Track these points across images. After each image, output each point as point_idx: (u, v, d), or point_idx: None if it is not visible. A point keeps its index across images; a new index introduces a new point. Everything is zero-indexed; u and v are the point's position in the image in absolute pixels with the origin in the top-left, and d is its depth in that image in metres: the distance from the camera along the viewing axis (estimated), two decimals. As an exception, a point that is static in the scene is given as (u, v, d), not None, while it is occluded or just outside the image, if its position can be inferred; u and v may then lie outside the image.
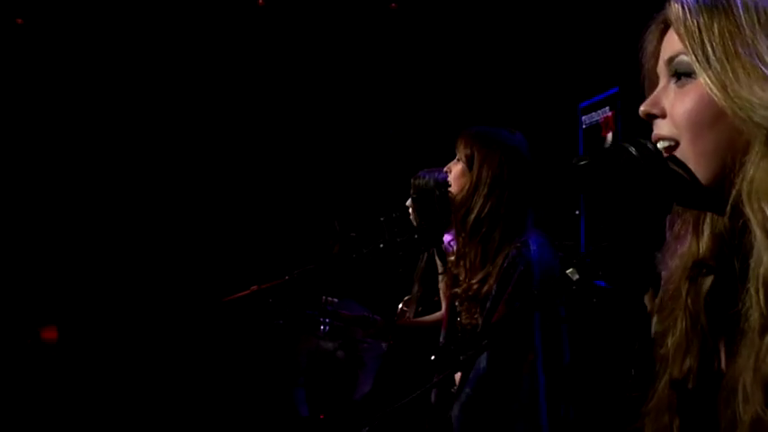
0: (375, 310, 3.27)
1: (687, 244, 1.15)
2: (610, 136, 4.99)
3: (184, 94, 5.84)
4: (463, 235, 2.24)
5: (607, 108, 4.99)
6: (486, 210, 2.14)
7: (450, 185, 2.28)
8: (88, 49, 5.52)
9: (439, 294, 3.12)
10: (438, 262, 3.03)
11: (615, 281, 0.97)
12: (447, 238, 2.96)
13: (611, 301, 0.96)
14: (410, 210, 3.19)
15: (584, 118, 5.42)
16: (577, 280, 0.98)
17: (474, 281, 2.09)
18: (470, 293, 2.10)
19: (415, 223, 3.20)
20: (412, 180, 3.18)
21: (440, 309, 3.10)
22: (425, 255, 3.14)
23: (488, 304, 2.01)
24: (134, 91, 5.75)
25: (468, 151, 2.20)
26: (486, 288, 2.04)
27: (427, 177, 3.18)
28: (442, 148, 5.90)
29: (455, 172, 2.21)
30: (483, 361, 1.95)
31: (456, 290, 2.21)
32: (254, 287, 4.57)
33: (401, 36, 6.01)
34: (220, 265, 5.27)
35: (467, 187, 2.17)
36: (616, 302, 0.95)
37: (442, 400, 2.30)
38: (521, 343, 1.91)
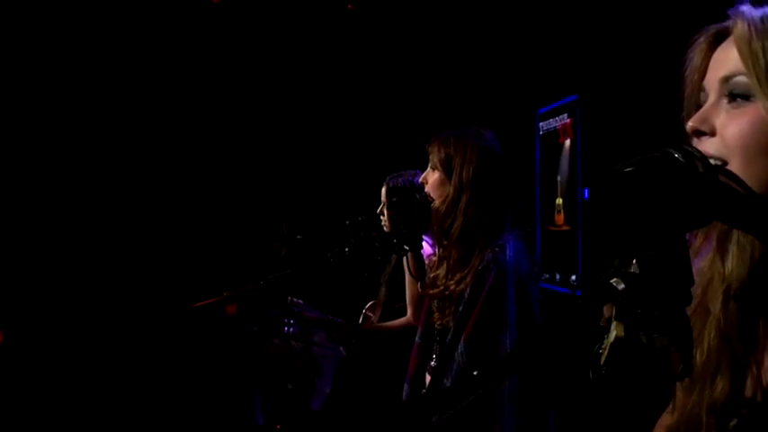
0: (338, 315, 3.18)
1: (708, 260, 1.11)
2: (567, 143, 5.01)
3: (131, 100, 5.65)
4: (445, 242, 2.17)
5: (566, 115, 5.01)
6: (471, 215, 2.08)
7: (424, 189, 2.20)
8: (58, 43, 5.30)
9: (405, 300, 3.05)
10: (408, 266, 2.96)
11: (660, 293, 0.90)
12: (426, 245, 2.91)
13: (664, 314, 0.89)
14: (383, 214, 3.12)
15: (541, 124, 5.44)
16: (623, 290, 0.92)
17: (452, 281, 2.03)
18: (446, 293, 2.04)
19: (387, 228, 3.12)
20: (385, 185, 3.11)
21: (405, 314, 3.03)
22: (394, 258, 3.07)
23: (461, 307, 1.94)
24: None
25: (443, 156, 2.13)
26: (460, 288, 1.99)
27: (402, 181, 3.11)
28: (398, 152, 5.94)
29: (433, 182, 2.14)
30: (463, 355, 1.88)
31: (433, 291, 2.14)
32: (227, 293, 4.46)
33: (357, 39, 5.94)
34: (180, 271, 5.11)
35: (449, 196, 2.10)
36: (665, 315, 0.88)
37: (414, 400, 2.23)
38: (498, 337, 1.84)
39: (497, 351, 1.85)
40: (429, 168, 2.18)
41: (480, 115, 5.66)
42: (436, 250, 2.27)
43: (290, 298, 3.04)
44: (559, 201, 5.19)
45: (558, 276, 5.17)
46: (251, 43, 5.82)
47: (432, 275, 2.23)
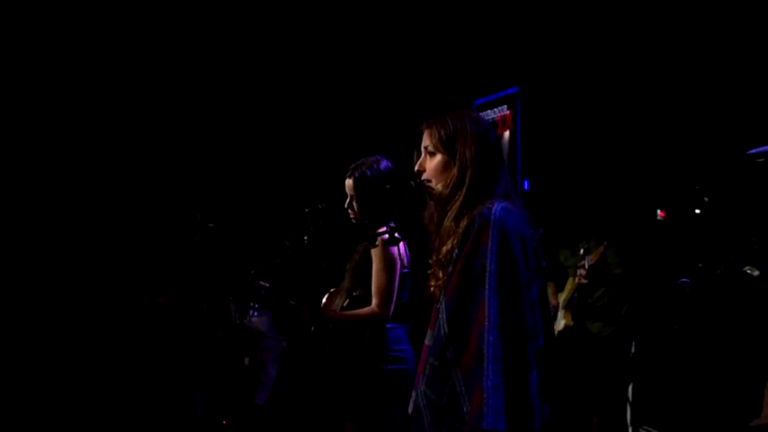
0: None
1: None
2: (507, 134, 5.05)
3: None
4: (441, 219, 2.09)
5: (505, 107, 5.05)
6: (472, 194, 2.02)
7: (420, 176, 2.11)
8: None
9: (369, 288, 2.95)
10: (382, 255, 2.88)
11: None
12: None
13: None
14: (352, 207, 3.01)
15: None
16: (758, 276, 0.87)
17: (443, 248, 1.97)
18: (439, 258, 1.97)
19: (355, 217, 3.02)
20: (351, 176, 3.00)
21: (367, 304, 2.93)
22: (363, 247, 2.97)
23: (450, 267, 1.87)
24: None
25: (445, 138, 2.04)
26: (448, 249, 1.93)
27: (384, 166, 3.01)
28: (332, 141, 5.82)
29: (436, 166, 2.04)
30: (443, 327, 1.81)
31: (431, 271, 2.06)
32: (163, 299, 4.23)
33: (292, 29, 5.76)
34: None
35: (455, 178, 2.02)
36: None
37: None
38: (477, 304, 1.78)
39: (475, 306, 1.76)
40: (425, 154, 2.08)
41: (416, 106, 5.64)
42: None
43: (256, 282, 2.89)
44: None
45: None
46: (180, 27, 5.54)
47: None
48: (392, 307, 2.89)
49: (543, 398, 1.77)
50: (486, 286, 1.76)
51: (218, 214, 4.56)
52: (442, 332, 1.79)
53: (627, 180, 4.36)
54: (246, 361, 3.77)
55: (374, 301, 2.90)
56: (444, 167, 2.04)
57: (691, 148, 4.07)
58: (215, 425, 3.62)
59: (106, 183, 5.46)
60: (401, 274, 2.94)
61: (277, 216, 5.07)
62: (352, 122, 5.80)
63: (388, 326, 2.93)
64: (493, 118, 5.26)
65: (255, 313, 2.78)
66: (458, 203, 1.99)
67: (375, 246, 2.83)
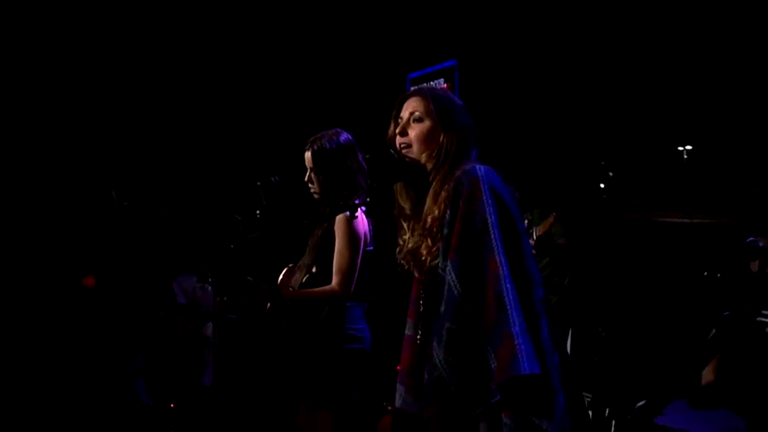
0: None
1: None
2: (444, 108, 5.03)
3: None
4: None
5: (442, 80, 5.02)
6: (455, 160, 2.00)
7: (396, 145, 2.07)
8: None
9: (330, 266, 2.88)
10: (349, 229, 2.82)
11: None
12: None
13: None
14: (312, 181, 2.93)
15: (413, 89, 5.42)
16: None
17: (428, 218, 1.94)
18: (426, 227, 1.94)
19: (317, 194, 2.94)
20: (309, 149, 2.92)
21: (326, 281, 2.87)
22: (326, 224, 2.89)
23: (445, 228, 1.85)
24: None
25: (431, 106, 2.02)
26: (437, 215, 1.91)
27: (344, 138, 2.93)
28: (262, 115, 5.67)
29: (421, 134, 2.01)
30: (455, 288, 1.79)
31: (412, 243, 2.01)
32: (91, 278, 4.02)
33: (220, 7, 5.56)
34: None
35: (442, 145, 1.99)
36: None
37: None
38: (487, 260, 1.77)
39: (485, 258, 1.77)
40: (409, 120, 2.04)
41: (349, 80, 5.57)
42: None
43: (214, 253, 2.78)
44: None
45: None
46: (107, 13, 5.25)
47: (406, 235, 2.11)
48: (353, 286, 2.84)
49: (553, 346, 1.79)
50: (492, 237, 1.78)
51: (133, 193, 4.40)
52: (455, 293, 1.77)
53: (566, 151, 4.44)
54: (189, 340, 3.64)
55: (335, 280, 2.84)
56: (430, 134, 2.01)
57: (626, 120, 4.18)
58: (163, 410, 3.49)
59: (20, 162, 5.16)
60: (364, 252, 2.89)
61: (222, 192, 4.91)
62: (286, 96, 5.67)
63: (347, 304, 2.89)
64: (429, 91, 5.23)
65: (209, 287, 2.67)
66: (444, 169, 1.98)
67: (355, 217, 2.77)
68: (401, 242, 2.09)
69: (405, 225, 2.11)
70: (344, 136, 2.96)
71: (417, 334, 2.04)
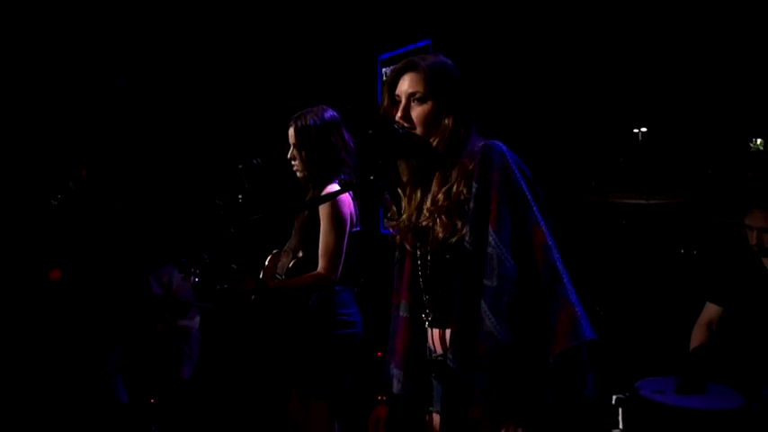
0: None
1: None
2: (418, 89, 4.93)
3: None
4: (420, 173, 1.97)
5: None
6: (464, 140, 1.91)
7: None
8: None
9: (315, 251, 2.77)
10: (334, 213, 2.73)
11: None
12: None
13: None
14: (294, 158, 2.83)
15: (385, 70, 5.32)
16: None
17: (440, 195, 1.87)
18: (438, 204, 1.87)
19: (300, 172, 2.84)
20: (293, 125, 2.81)
21: (314, 266, 2.76)
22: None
23: (472, 204, 1.80)
24: None
25: (435, 81, 1.91)
26: (455, 190, 1.84)
27: (329, 115, 2.83)
28: (224, 99, 5.50)
29: (425, 115, 1.91)
30: (506, 260, 1.75)
31: (422, 221, 1.93)
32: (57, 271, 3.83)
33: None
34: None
35: (450, 127, 1.90)
36: None
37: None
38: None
39: (531, 229, 1.77)
40: (407, 101, 1.93)
41: (318, 61, 5.45)
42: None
43: (196, 244, 2.66)
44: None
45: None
46: None
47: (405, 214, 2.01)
48: (340, 269, 2.74)
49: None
50: (533, 208, 1.80)
51: (94, 183, 4.24)
52: (508, 265, 1.74)
53: (537, 131, 4.41)
54: (165, 332, 3.50)
55: (321, 263, 2.74)
56: (434, 115, 1.91)
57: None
58: (143, 406, 3.35)
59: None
60: (350, 233, 2.80)
61: (198, 177, 4.76)
62: (255, 77, 5.53)
63: (336, 288, 2.79)
64: (402, 73, 5.14)
65: (196, 279, 2.54)
66: (455, 151, 1.90)
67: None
68: (402, 219, 2.00)
69: (409, 203, 2.02)
70: (329, 113, 2.87)
71: (420, 315, 1.97)
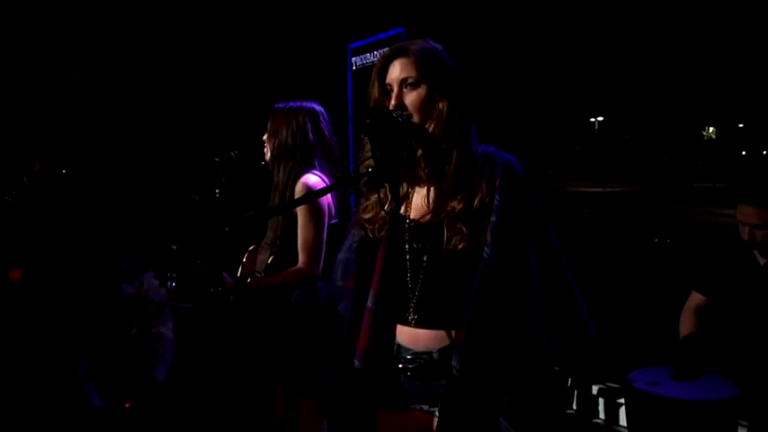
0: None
1: None
2: (390, 78, 4.83)
3: None
4: (425, 168, 1.88)
5: (387, 49, 4.81)
6: (466, 129, 1.83)
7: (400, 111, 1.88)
8: None
9: (293, 245, 2.68)
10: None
11: None
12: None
13: None
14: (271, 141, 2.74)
15: (354, 59, 5.20)
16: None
17: (454, 201, 1.82)
18: (455, 210, 1.80)
19: (271, 157, 2.75)
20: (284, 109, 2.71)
21: (293, 264, 2.66)
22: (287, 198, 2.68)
23: (494, 217, 1.79)
24: None
25: (430, 68, 1.83)
26: (477, 202, 1.80)
27: (310, 106, 2.75)
28: (189, 91, 5.35)
29: (420, 99, 1.82)
30: (535, 273, 1.82)
31: (424, 218, 1.86)
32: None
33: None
34: None
35: (445, 113, 1.82)
36: None
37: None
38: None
39: (550, 245, 1.87)
40: (406, 88, 1.84)
41: (285, 50, 5.32)
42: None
43: (174, 247, 2.53)
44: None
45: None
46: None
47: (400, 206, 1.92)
48: (321, 263, 2.64)
49: None
50: (549, 225, 1.88)
51: (47, 177, 4.08)
52: (537, 278, 1.80)
53: (494, 120, 4.36)
54: (137, 333, 3.36)
55: (301, 258, 2.65)
56: (429, 101, 1.84)
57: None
58: (117, 410, 3.20)
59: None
60: (330, 225, 2.70)
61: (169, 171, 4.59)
62: (221, 68, 5.38)
63: (318, 284, 2.69)
64: (373, 62, 5.04)
65: (173, 284, 2.41)
66: (459, 144, 1.84)
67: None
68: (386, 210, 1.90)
69: (403, 196, 1.93)
70: (313, 104, 2.80)
71: (389, 309, 1.94)
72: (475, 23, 4.48)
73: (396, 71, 1.86)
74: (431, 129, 1.82)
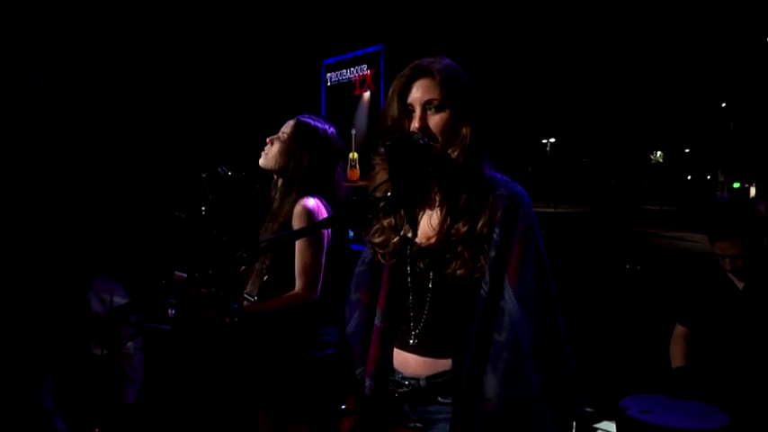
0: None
1: None
2: (367, 95, 4.81)
3: None
4: (438, 190, 1.83)
5: (365, 66, 4.79)
6: (479, 153, 1.79)
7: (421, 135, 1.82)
8: None
9: (291, 268, 2.58)
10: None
11: None
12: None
13: None
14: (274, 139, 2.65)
15: (329, 75, 5.15)
16: None
17: (459, 223, 1.77)
18: (461, 235, 1.76)
19: (276, 163, 2.65)
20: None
21: (287, 285, 2.56)
22: (282, 218, 2.58)
23: (493, 252, 1.74)
24: None
25: (454, 91, 1.78)
26: (478, 231, 1.76)
27: (320, 124, 2.65)
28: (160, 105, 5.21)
29: (443, 124, 1.77)
30: (515, 301, 1.73)
31: (430, 241, 1.81)
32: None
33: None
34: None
35: (468, 138, 1.77)
36: None
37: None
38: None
39: (548, 286, 1.77)
40: (430, 110, 1.79)
41: (260, 66, 5.24)
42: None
43: (176, 273, 2.41)
44: (354, 155, 4.98)
45: (351, 233, 4.98)
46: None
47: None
48: (319, 288, 2.55)
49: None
50: (547, 264, 1.78)
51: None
52: (518, 322, 1.72)
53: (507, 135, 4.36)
54: (105, 353, 3.20)
55: (298, 284, 2.54)
56: (454, 125, 1.79)
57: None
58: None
59: None
60: (327, 248, 2.61)
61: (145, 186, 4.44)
62: (195, 79, 5.25)
63: (328, 329, 2.60)
64: (349, 78, 5.00)
65: (173, 311, 2.30)
66: (479, 172, 1.80)
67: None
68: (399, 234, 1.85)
69: (423, 220, 1.88)
70: (336, 137, 2.73)
71: (394, 329, 1.90)
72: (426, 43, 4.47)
73: (419, 92, 1.80)
74: (454, 155, 1.78)
